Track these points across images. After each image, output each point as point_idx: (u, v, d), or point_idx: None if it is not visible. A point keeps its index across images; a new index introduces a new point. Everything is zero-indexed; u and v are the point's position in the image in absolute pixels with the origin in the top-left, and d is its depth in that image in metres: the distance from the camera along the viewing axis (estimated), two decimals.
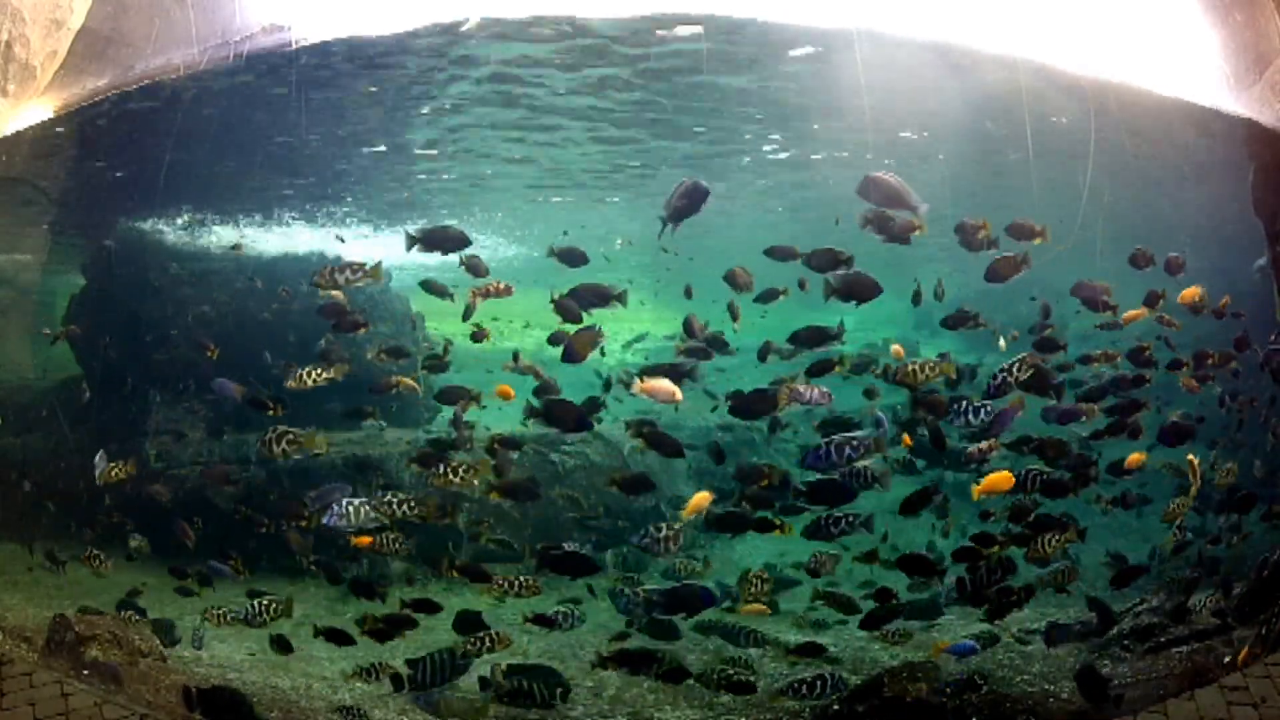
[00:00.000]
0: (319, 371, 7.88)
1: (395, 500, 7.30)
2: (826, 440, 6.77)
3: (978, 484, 7.93)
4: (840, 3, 7.63)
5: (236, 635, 8.90)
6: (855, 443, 6.73)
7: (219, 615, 8.25)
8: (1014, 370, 6.86)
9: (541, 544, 8.13)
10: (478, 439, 10.61)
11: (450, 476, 7.46)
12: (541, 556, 7.91)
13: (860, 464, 6.85)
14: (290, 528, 9.27)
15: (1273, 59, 6.98)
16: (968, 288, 8.78)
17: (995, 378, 6.88)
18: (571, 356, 7.48)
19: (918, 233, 7.09)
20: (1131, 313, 9.06)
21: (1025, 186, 13.84)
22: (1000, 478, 7.71)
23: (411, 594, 9.41)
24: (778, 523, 7.92)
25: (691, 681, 7.79)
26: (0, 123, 6.61)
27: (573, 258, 8.22)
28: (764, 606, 9.42)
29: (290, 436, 7.45)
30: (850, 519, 7.56)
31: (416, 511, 7.36)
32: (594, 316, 7.83)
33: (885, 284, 7.26)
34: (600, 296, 7.59)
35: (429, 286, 10.23)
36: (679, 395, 7.46)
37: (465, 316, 10.38)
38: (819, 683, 7.21)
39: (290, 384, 7.96)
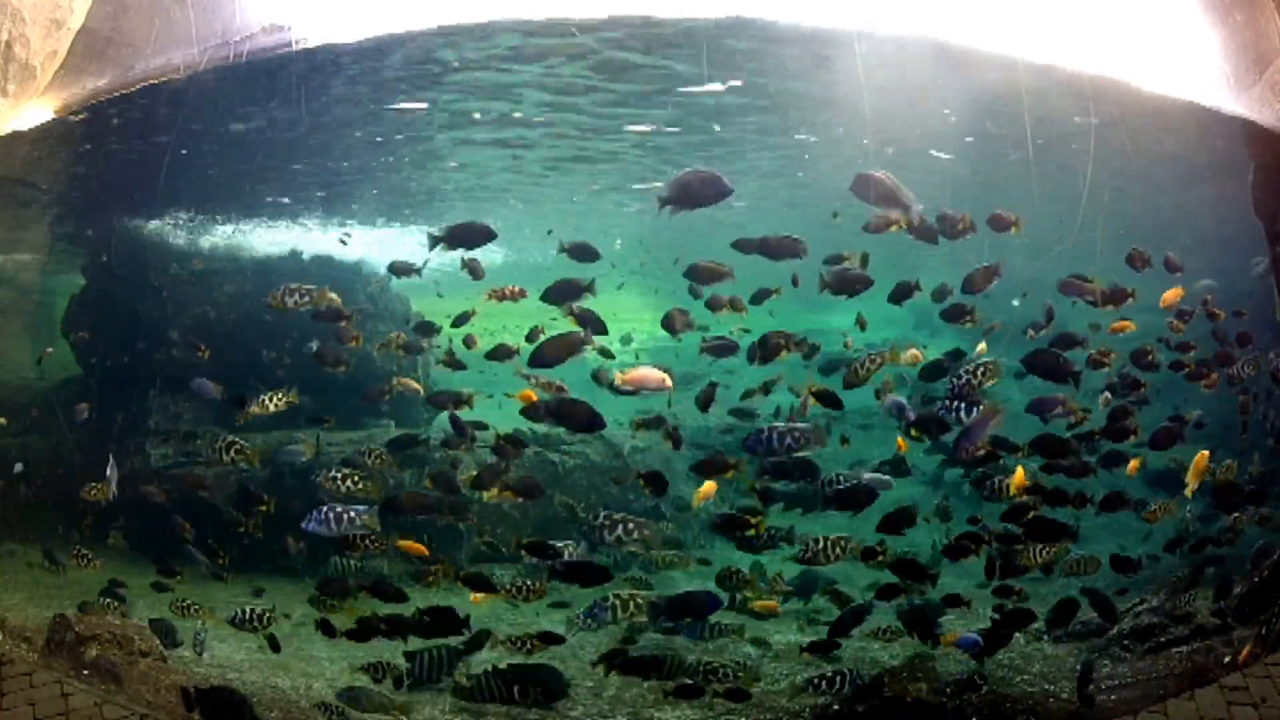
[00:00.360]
0: (280, 397, 8.25)
1: (339, 476, 7.87)
2: (770, 427, 6.79)
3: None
4: (841, 2, 7.63)
5: (236, 635, 8.89)
6: (796, 434, 6.73)
7: (185, 607, 8.44)
8: (977, 373, 6.63)
9: (528, 540, 8.12)
10: (484, 440, 10.61)
11: (339, 484, 7.97)
12: (552, 566, 7.95)
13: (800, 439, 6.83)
14: (256, 519, 9.44)
15: (1273, 59, 6.98)
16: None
17: (959, 378, 6.67)
18: (541, 361, 7.43)
19: (893, 229, 7.18)
20: (1117, 323, 9.02)
21: (1025, 186, 13.86)
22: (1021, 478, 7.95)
23: (421, 596, 9.38)
24: (753, 521, 7.99)
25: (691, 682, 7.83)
26: (0, 123, 6.62)
27: (583, 253, 8.17)
28: (775, 604, 9.57)
29: (237, 446, 8.06)
30: (772, 532, 7.68)
31: (361, 488, 7.88)
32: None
33: (885, 283, 7.28)
34: (573, 290, 7.68)
35: (395, 268, 10.38)
36: (669, 382, 7.44)
37: (458, 322, 10.43)
38: (838, 679, 7.33)
39: (254, 409, 8.32)
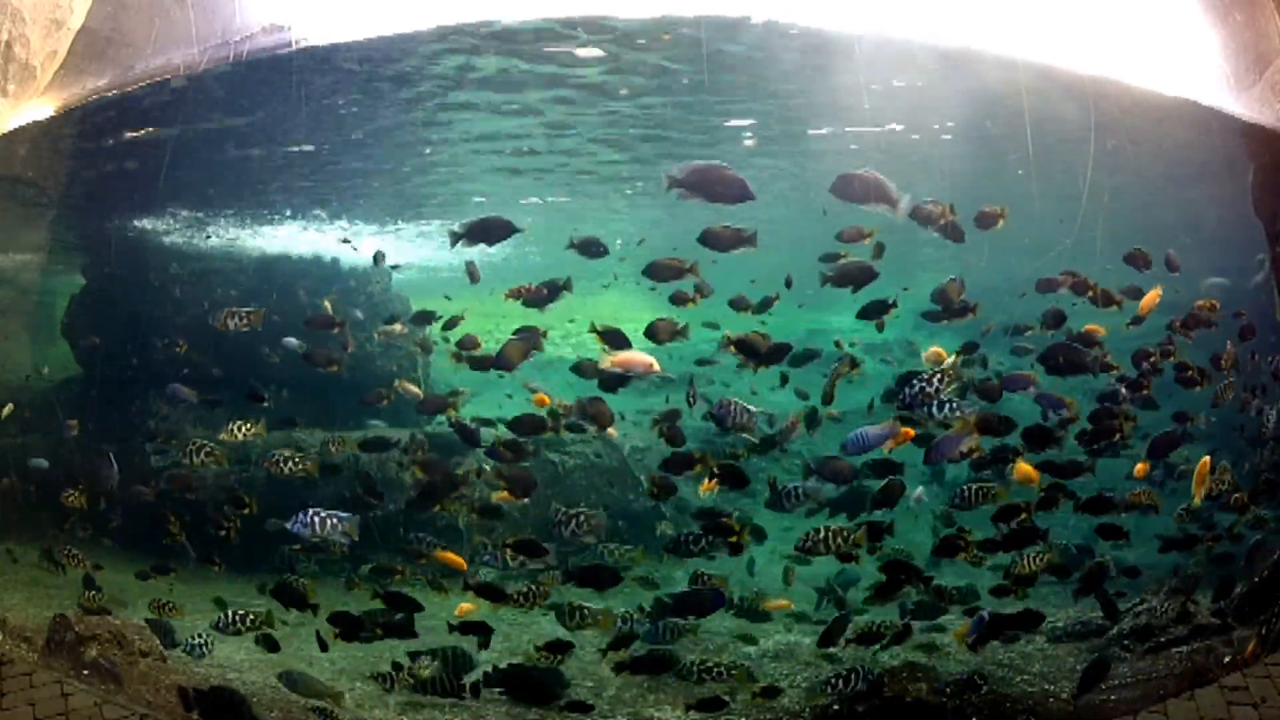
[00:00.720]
0: (247, 426, 8.72)
1: (281, 458, 8.50)
2: (734, 401, 7.39)
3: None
4: (841, 2, 7.63)
5: (241, 646, 8.91)
6: (751, 412, 7.37)
7: (164, 606, 8.62)
8: (933, 381, 6.60)
9: (514, 538, 8.21)
10: (485, 439, 10.64)
11: (282, 465, 8.54)
12: (565, 569, 8.21)
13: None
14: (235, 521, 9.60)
15: (1273, 59, 6.98)
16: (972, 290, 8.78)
17: (912, 386, 6.61)
18: (503, 364, 7.89)
19: (866, 240, 7.31)
20: (1091, 326, 8.99)
21: (1025, 186, 13.86)
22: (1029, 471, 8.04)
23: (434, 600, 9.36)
24: (736, 528, 8.07)
25: (685, 680, 7.88)
26: (0, 123, 6.62)
27: (592, 249, 8.15)
28: (788, 602, 9.74)
29: (207, 449, 8.49)
30: (710, 538, 8.03)
31: (302, 469, 8.50)
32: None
33: (884, 283, 7.32)
34: (551, 291, 8.11)
35: (377, 257, 10.65)
36: (656, 366, 7.53)
37: (448, 326, 10.51)
38: (853, 675, 7.46)
39: (222, 436, 8.81)
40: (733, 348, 7.78)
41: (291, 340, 12.25)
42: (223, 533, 9.64)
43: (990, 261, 10.39)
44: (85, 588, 9.17)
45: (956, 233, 6.90)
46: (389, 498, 11.72)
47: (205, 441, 8.68)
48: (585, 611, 7.84)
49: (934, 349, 9.46)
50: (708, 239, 6.87)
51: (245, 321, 8.99)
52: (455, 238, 7.54)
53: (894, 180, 6.18)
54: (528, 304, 8.28)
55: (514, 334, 8.24)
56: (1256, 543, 9.05)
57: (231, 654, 8.92)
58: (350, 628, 7.92)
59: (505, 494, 9.11)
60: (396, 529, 11.20)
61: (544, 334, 8.29)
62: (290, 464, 8.46)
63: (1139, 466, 8.91)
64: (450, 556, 9.01)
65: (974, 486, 7.91)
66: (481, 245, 7.71)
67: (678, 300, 8.51)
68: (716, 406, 7.53)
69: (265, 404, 10.23)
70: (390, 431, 13.46)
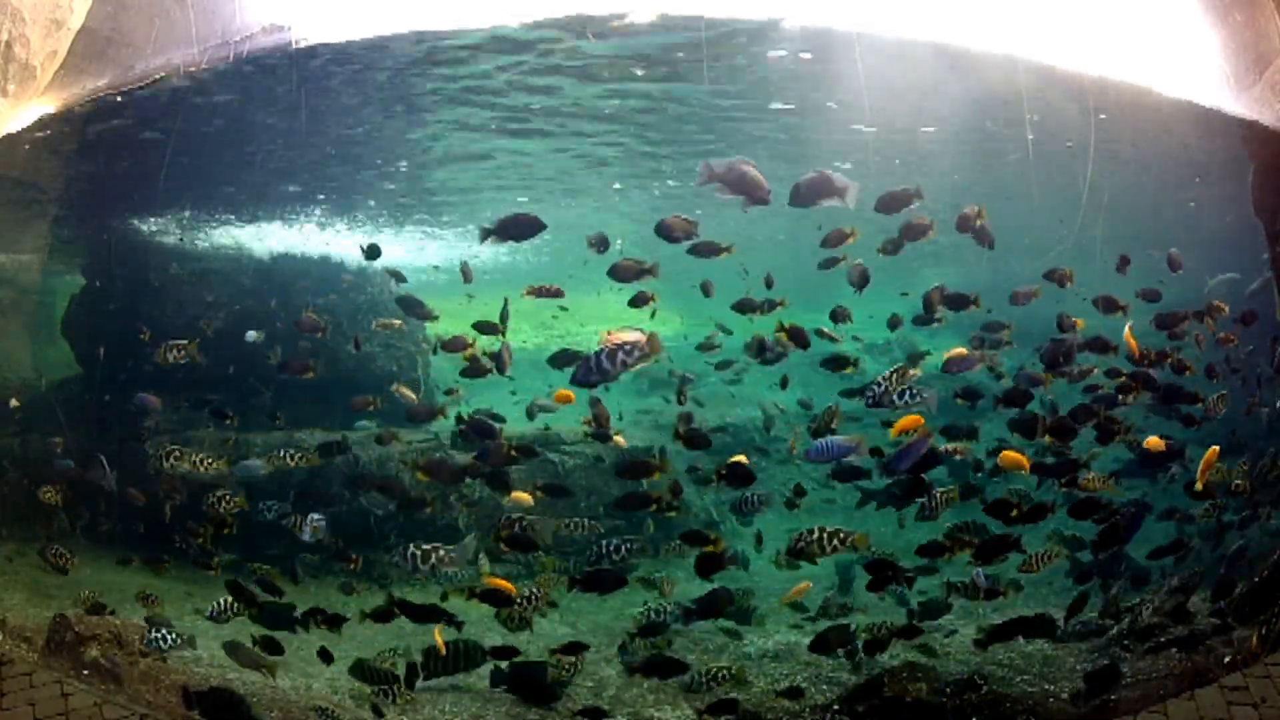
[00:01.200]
0: (209, 460, 8.86)
1: (214, 498, 8.75)
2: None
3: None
4: (840, 2, 7.64)
5: (236, 635, 8.92)
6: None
7: (146, 597, 8.83)
8: (891, 379, 6.86)
9: (505, 532, 8.28)
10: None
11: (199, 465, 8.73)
12: (571, 575, 8.41)
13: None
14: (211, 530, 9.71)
15: (1273, 59, 6.98)
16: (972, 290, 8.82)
17: (877, 385, 6.83)
18: (501, 368, 8.66)
19: (851, 240, 7.75)
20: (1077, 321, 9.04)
21: (1025, 187, 13.87)
22: (1018, 458, 8.24)
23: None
24: (712, 537, 8.27)
25: (687, 680, 7.90)
26: (0, 123, 6.62)
27: (604, 245, 8.55)
28: (807, 584, 9.91)
29: (176, 453, 8.69)
30: (629, 545, 8.38)
31: (233, 506, 8.77)
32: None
33: (884, 284, 7.41)
34: (551, 295, 8.99)
35: (369, 253, 11.28)
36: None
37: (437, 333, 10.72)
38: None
39: (185, 465, 8.89)
40: (784, 335, 8.02)
41: (252, 333, 12.36)
42: (199, 540, 9.68)
43: (990, 262, 10.42)
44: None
45: (982, 234, 7.08)
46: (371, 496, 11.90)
47: (175, 446, 8.89)
48: (521, 617, 8.20)
49: (957, 350, 9.51)
50: (661, 229, 6.93)
51: (182, 354, 9.30)
52: (485, 234, 7.47)
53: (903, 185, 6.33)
54: (501, 322, 9.00)
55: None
56: (1240, 548, 9.12)
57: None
58: (333, 620, 8.19)
59: (524, 495, 9.17)
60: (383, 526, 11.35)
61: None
62: (223, 503, 8.68)
63: (1151, 440, 8.90)
64: (498, 582, 8.81)
65: (938, 493, 8.00)
66: (476, 246, 7.86)
67: (638, 302, 8.64)
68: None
69: (229, 421, 10.76)
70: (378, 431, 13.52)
